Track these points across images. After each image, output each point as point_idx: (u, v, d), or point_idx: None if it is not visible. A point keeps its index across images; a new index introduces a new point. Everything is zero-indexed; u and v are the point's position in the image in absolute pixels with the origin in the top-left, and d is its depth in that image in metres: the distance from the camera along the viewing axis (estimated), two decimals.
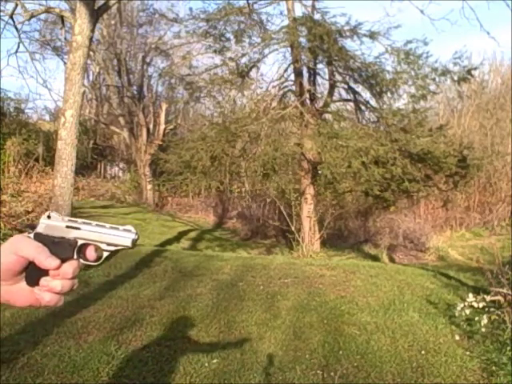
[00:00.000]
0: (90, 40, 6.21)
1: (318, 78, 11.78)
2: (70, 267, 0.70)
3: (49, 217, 0.73)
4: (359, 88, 11.42)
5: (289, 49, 11.10)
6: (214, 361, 3.45)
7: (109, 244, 0.73)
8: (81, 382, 3.06)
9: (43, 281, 0.69)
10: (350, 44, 10.64)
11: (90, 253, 0.73)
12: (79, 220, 0.74)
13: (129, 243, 0.73)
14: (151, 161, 18.08)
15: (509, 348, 3.68)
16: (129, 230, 0.73)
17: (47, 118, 21.65)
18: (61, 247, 0.71)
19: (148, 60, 19.68)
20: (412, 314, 4.72)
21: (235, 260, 7.62)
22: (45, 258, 0.68)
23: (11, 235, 8.08)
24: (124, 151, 23.12)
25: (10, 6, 6.87)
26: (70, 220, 0.74)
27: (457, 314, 4.40)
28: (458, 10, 30.09)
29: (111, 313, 4.44)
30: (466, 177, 10.87)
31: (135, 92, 19.23)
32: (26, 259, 0.68)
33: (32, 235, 0.71)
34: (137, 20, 19.20)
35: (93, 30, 6.19)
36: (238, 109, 13.14)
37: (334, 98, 12.09)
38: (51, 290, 0.69)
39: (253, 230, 15.74)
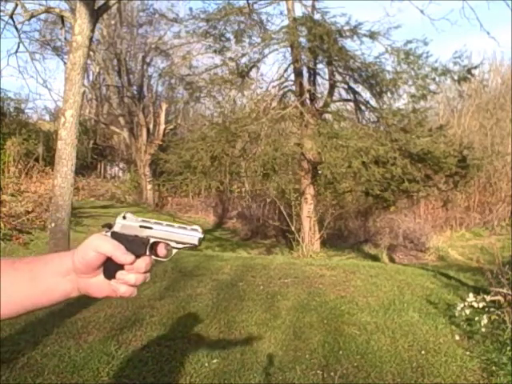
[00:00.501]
0: (90, 40, 6.21)
1: (318, 77, 11.80)
2: (143, 262, 0.78)
3: (124, 217, 0.80)
4: (359, 88, 11.43)
5: (289, 49, 11.10)
6: (214, 361, 3.45)
7: (177, 242, 0.80)
8: (81, 382, 3.06)
9: (119, 274, 0.77)
10: (349, 44, 10.66)
11: (161, 250, 0.80)
12: (151, 220, 0.81)
13: (196, 241, 0.80)
14: (151, 161, 18.08)
15: (509, 348, 3.68)
16: (196, 230, 0.80)
17: (47, 118, 21.65)
18: (135, 245, 0.78)
19: (148, 60, 19.68)
20: (412, 314, 4.72)
21: (235, 260, 7.62)
22: (121, 254, 0.76)
23: (11, 235, 8.09)
24: (124, 151, 23.12)
25: (10, 6, 6.88)
26: (143, 220, 0.80)
27: (457, 314, 4.40)
28: (458, 10, 30.06)
29: (111, 313, 4.44)
30: (465, 177, 10.87)
31: (135, 92, 19.23)
32: (104, 255, 0.75)
33: (109, 234, 0.78)
34: (137, 20, 19.19)
35: (93, 30, 6.19)
36: (238, 109, 13.14)
37: (334, 98, 12.10)
38: (126, 282, 0.77)
39: (253, 230, 15.74)
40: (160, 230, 0.80)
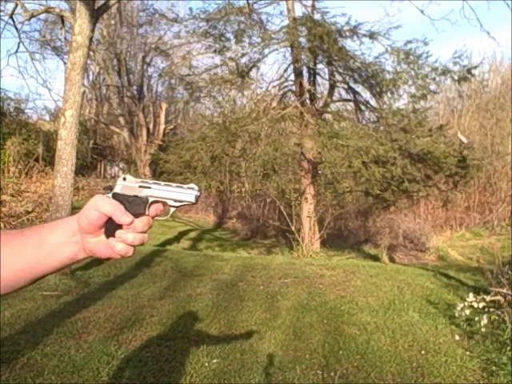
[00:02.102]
0: (90, 40, 6.20)
1: (318, 77, 11.78)
2: (141, 222, 0.80)
3: (124, 179, 0.83)
4: (359, 88, 11.42)
5: (289, 49, 11.09)
6: (214, 361, 3.45)
7: (175, 200, 0.83)
8: (81, 382, 3.06)
9: (118, 233, 0.80)
10: (349, 44, 10.64)
11: (157, 209, 0.83)
12: (150, 181, 0.84)
13: (193, 199, 0.83)
14: (151, 161, 18.08)
15: (509, 348, 3.68)
16: (192, 188, 0.84)
17: (47, 118, 21.61)
18: (135, 204, 0.81)
19: (148, 60, 19.68)
20: (412, 314, 4.72)
21: (235, 260, 7.63)
22: (121, 215, 0.79)
23: None
24: (124, 151, 23.11)
25: (10, 6, 6.87)
26: (142, 181, 0.83)
27: (457, 314, 4.40)
28: (458, 10, 30.07)
29: (111, 313, 4.44)
30: (465, 177, 10.86)
31: (135, 92, 19.23)
32: (105, 215, 0.78)
33: (110, 195, 0.82)
34: (137, 20, 19.18)
35: (93, 30, 6.18)
36: (238, 109, 13.13)
37: (334, 98, 12.09)
38: (124, 241, 0.80)
39: (253, 230, 15.74)
40: (158, 190, 0.83)
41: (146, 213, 0.82)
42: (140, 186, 0.83)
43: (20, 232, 0.82)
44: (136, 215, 0.81)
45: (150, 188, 0.83)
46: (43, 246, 0.79)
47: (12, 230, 0.84)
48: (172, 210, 0.84)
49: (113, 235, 0.80)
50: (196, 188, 0.83)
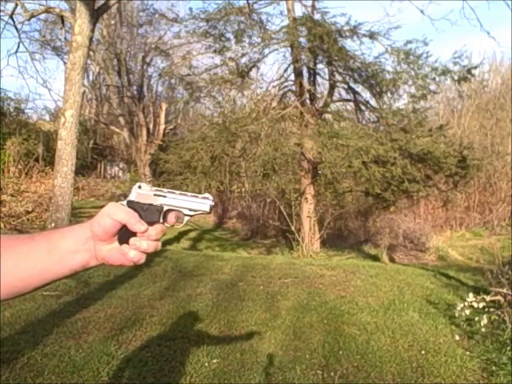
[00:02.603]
0: (90, 40, 6.21)
1: (318, 77, 11.78)
2: (154, 230, 0.81)
3: (139, 187, 0.84)
4: (359, 88, 11.42)
5: (289, 49, 11.10)
6: (214, 361, 3.45)
7: (190, 209, 0.84)
8: (81, 382, 3.06)
9: (132, 240, 0.80)
10: (349, 44, 10.64)
11: (172, 218, 0.85)
12: (165, 189, 0.85)
13: (207, 209, 0.84)
14: (151, 161, 18.08)
15: (509, 348, 3.68)
16: (207, 198, 0.85)
17: (47, 118, 21.64)
18: (149, 213, 0.82)
19: (148, 60, 19.67)
20: (412, 314, 4.72)
21: (235, 260, 7.63)
22: (135, 222, 0.79)
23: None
24: (124, 151, 23.12)
25: (10, 6, 6.87)
26: (157, 189, 0.85)
27: (457, 314, 4.40)
28: (458, 10, 30.10)
29: (111, 313, 4.44)
30: (465, 177, 10.86)
31: (135, 92, 19.22)
32: (119, 223, 0.79)
33: (125, 202, 0.82)
34: (137, 20, 19.18)
35: (93, 30, 6.19)
36: (238, 109, 13.13)
37: (334, 98, 12.09)
38: (137, 248, 0.80)
39: (253, 230, 15.74)
40: (173, 199, 0.84)
41: (161, 221, 0.82)
42: (155, 195, 0.83)
43: (30, 237, 0.81)
44: (150, 223, 0.81)
45: (164, 197, 0.83)
46: (54, 253, 0.78)
47: (22, 235, 0.83)
48: (186, 218, 0.85)
49: (126, 242, 0.80)
50: (211, 198, 0.85)
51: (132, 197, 0.83)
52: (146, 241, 0.80)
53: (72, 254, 0.79)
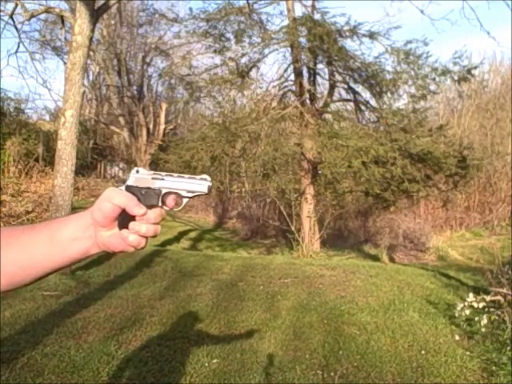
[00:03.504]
0: (90, 40, 6.20)
1: (318, 77, 11.78)
2: (154, 214, 0.81)
3: (137, 171, 0.84)
4: (359, 88, 11.42)
5: (289, 49, 11.09)
6: (214, 361, 3.45)
7: (188, 191, 0.84)
8: (81, 382, 3.06)
9: (131, 224, 0.80)
10: (349, 44, 10.64)
11: (171, 200, 0.84)
12: (163, 173, 0.85)
13: (205, 189, 0.84)
14: (151, 161, 18.07)
15: (509, 348, 3.68)
16: (205, 179, 0.84)
17: (47, 117, 21.60)
18: (148, 196, 0.82)
19: (148, 60, 19.67)
20: (412, 314, 4.72)
21: (235, 260, 7.62)
22: (134, 206, 0.79)
23: None
24: (124, 151, 23.10)
25: (10, 6, 6.87)
26: (155, 173, 0.84)
27: (457, 314, 4.40)
28: (458, 10, 30.00)
29: (111, 313, 4.44)
30: (465, 177, 10.86)
31: (135, 92, 19.22)
32: (119, 207, 0.78)
33: (123, 187, 0.82)
34: (137, 20, 19.18)
35: (93, 30, 6.18)
36: (238, 109, 13.13)
37: (334, 98, 12.09)
38: (137, 232, 0.79)
39: (253, 230, 15.74)
40: (171, 181, 0.84)
41: (159, 204, 0.82)
42: (153, 178, 0.83)
43: (31, 227, 0.81)
44: (149, 206, 0.81)
45: (162, 179, 0.83)
46: (54, 241, 0.78)
47: (22, 226, 0.83)
48: (185, 200, 0.85)
49: (126, 227, 0.80)
50: (208, 179, 0.84)
51: (130, 181, 0.82)
52: (145, 224, 0.79)
53: (73, 242, 0.79)
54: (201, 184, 0.84)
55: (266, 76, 24.40)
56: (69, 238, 0.79)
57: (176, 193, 0.84)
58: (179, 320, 4.34)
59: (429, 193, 10.72)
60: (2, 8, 6.96)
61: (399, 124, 10.52)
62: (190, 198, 0.84)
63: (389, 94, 10.93)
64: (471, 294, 4.42)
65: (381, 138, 9.83)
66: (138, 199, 0.80)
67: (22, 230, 0.80)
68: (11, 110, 17.20)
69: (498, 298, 4.43)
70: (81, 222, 0.79)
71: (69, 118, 5.93)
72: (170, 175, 0.84)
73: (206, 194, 0.84)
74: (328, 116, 11.94)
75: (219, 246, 12.95)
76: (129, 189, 0.82)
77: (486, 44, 40.44)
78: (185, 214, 17.97)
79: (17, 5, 6.61)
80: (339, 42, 10.29)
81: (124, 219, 0.79)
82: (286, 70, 11.56)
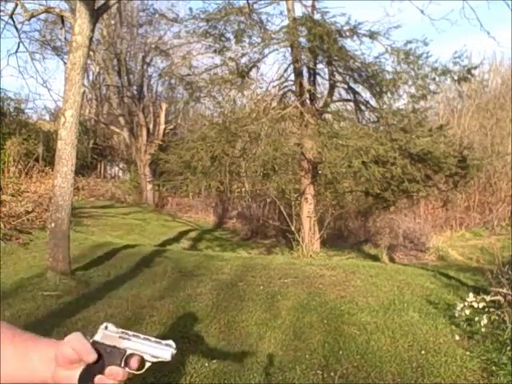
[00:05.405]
0: (90, 40, 6.20)
1: (318, 77, 11.78)
2: (116, 373, 0.82)
3: (106, 327, 0.85)
4: (359, 88, 11.42)
5: (289, 49, 11.10)
6: (214, 361, 3.45)
7: (152, 356, 0.84)
8: None
9: (98, 379, 0.81)
10: (349, 44, 10.63)
11: (134, 363, 0.84)
12: (130, 332, 0.85)
13: (168, 356, 0.83)
14: (151, 161, 18.08)
15: (509, 348, 3.68)
16: (170, 345, 0.84)
17: (47, 117, 21.62)
18: (112, 355, 0.82)
19: (148, 60, 19.67)
20: (412, 314, 4.72)
21: (235, 260, 7.62)
22: (86, 353, 0.80)
23: (11, 235, 8.08)
24: (124, 151, 23.12)
25: (10, 6, 6.86)
26: (123, 332, 0.85)
27: (457, 314, 4.39)
28: (458, 10, 29.98)
29: (111, 313, 4.44)
30: (465, 177, 10.87)
31: (135, 92, 19.23)
32: (75, 352, 0.80)
33: (91, 341, 0.83)
34: (137, 20, 19.18)
35: (93, 30, 6.18)
36: (238, 109, 13.14)
37: (334, 98, 12.09)
38: None
39: (253, 230, 15.74)
40: (137, 343, 0.84)
41: (122, 365, 0.82)
42: (120, 337, 0.84)
43: (11, 338, 0.84)
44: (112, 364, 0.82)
45: (129, 340, 0.84)
46: (23, 363, 0.82)
47: (4, 330, 0.85)
48: (147, 364, 0.85)
49: (91, 380, 0.81)
50: (173, 345, 0.84)
51: (98, 337, 0.83)
52: (112, 381, 0.81)
53: (37, 370, 0.82)
54: (165, 350, 0.83)
55: (265, 76, 24.37)
56: (35, 365, 0.82)
57: (140, 356, 0.83)
58: (179, 320, 4.34)
59: (429, 193, 10.72)
60: (2, 8, 6.96)
61: (399, 124, 10.52)
62: (152, 362, 0.84)
63: (389, 94, 10.94)
64: (471, 294, 4.41)
65: (381, 138, 9.83)
66: (102, 357, 0.81)
67: (2, 340, 0.83)
68: (11, 110, 17.20)
69: (498, 297, 4.42)
70: (49, 354, 0.82)
71: (69, 118, 5.93)
72: (137, 336, 0.84)
73: (169, 361, 0.84)
74: (328, 116, 11.95)
75: (219, 246, 12.95)
76: (94, 344, 0.82)
77: (486, 44, 40.42)
78: (184, 214, 17.99)
79: (17, 5, 6.60)
80: (339, 41, 10.29)
81: (90, 371, 0.80)
82: (286, 70, 11.56)
